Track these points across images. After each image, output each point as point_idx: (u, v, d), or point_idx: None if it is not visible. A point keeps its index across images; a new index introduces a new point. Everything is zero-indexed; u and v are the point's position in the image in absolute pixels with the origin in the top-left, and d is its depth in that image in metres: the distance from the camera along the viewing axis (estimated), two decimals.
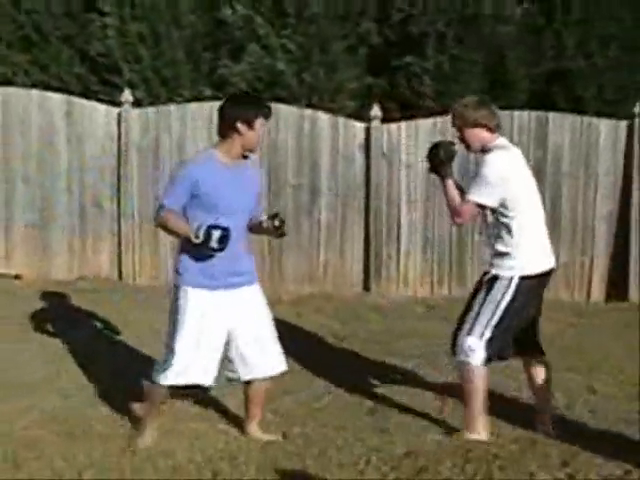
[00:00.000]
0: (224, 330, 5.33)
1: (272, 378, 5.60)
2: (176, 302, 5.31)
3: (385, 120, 10.70)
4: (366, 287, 10.71)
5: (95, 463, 5.24)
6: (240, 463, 5.26)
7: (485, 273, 5.69)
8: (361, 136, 10.61)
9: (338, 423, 6.03)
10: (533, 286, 5.60)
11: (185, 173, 5.25)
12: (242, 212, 5.35)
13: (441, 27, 11.56)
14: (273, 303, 8.52)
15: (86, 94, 11.61)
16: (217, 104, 10.51)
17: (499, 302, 5.49)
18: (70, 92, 11.41)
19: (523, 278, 5.52)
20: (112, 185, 10.87)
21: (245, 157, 5.38)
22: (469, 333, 5.54)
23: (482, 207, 5.53)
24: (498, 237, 5.57)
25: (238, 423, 5.88)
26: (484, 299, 5.55)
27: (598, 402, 6.64)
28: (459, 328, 5.65)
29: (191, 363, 5.25)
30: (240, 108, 5.24)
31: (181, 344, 5.22)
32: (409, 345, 8.27)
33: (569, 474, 5.07)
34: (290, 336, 7.52)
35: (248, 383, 5.58)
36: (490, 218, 5.62)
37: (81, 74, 12.17)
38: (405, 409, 6.32)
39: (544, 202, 10.05)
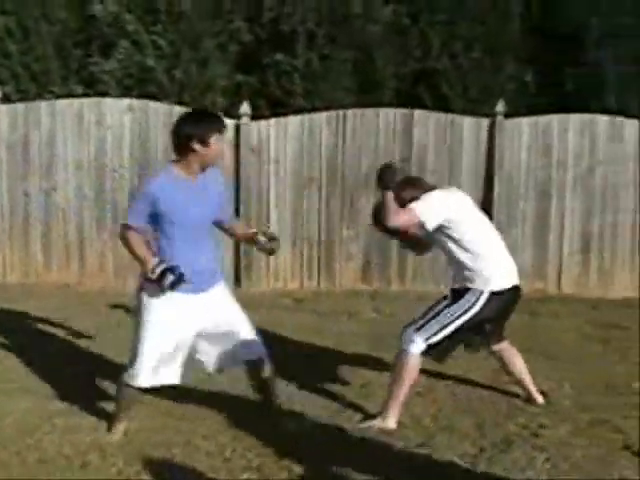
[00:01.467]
0: (191, 330, 5.37)
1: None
2: (140, 304, 5.32)
3: (255, 117, 10.83)
4: (237, 283, 10.81)
5: None
6: (108, 455, 5.34)
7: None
8: (230, 133, 10.70)
9: (201, 414, 6.11)
10: (501, 301, 5.86)
11: (144, 190, 5.17)
12: (204, 223, 5.37)
13: (311, 26, 11.77)
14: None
15: None
16: (87, 100, 10.64)
17: (461, 314, 5.74)
18: None
19: (493, 293, 5.78)
20: None
21: (203, 170, 5.31)
22: (418, 330, 5.76)
23: (420, 222, 5.67)
24: (459, 259, 5.81)
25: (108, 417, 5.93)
26: (447, 306, 5.79)
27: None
28: (414, 320, 5.84)
29: (159, 364, 5.31)
30: (193, 127, 5.16)
31: (147, 345, 5.26)
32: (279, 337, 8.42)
33: (426, 455, 5.31)
34: None
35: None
36: (448, 243, 5.82)
37: None
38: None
39: None
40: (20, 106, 10.86)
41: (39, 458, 5.28)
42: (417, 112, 10.91)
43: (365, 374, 7.01)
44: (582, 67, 12.07)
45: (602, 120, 10.93)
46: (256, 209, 10.75)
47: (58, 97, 11.35)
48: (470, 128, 10.91)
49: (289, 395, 6.39)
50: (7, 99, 11.09)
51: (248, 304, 9.43)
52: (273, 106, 11.78)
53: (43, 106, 10.80)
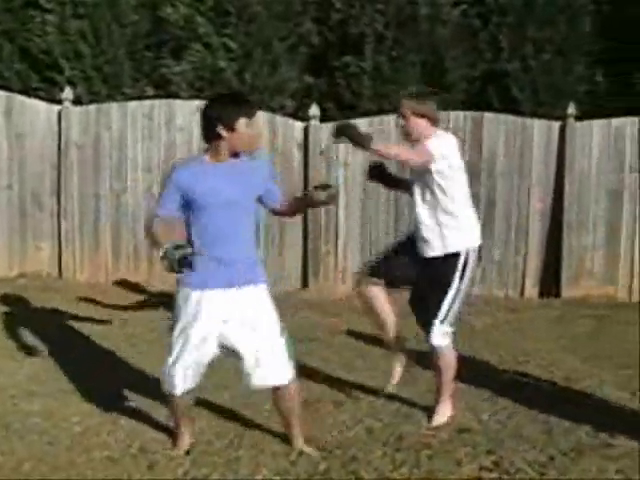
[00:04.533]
0: (217, 333, 5.05)
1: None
2: (175, 307, 5.12)
3: (324, 120, 10.84)
4: (305, 284, 10.83)
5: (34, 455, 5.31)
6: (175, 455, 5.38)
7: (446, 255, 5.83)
8: (299, 135, 10.74)
9: (270, 415, 6.13)
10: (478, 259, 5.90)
11: (172, 178, 4.95)
12: (238, 208, 5.00)
13: (380, 28, 11.74)
14: None
15: (27, 91, 11.60)
16: (157, 102, 10.72)
17: (460, 283, 5.75)
18: (10, 89, 11.40)
19: (474, 250, 5.82)
20: (53, 183, 10.90)
21: (236, 156, 5.00)
22: (442, 321, 5.78)
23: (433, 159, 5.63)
24: (442, 215, 5.75)
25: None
26: (449, 285, 5.75)
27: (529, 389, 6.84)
28: (432, 313, 5.79)
29: (188, 367, 5.11)
30: (219, 111, 4.87)
31: (174, 350, 5.10)
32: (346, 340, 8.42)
33: (494, 461, 5.26)
34: None
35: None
36: (428, 198, 5.77)
37: (21, 71, 12.14)
38: (337, 402, 6.44)
39: (480, 201, 10.43)
40: (91, 108, 11.01)
41: (106, 457, 5.33)
42: (487, 115, 10.85)
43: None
44: None
45: None
46: (324, 211, 10.75)
47: (129, 99, 11.46)
48: (540, 131, 10.81)
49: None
50: (79, 101, 11.23)
51: (315, 306, 9.59)
52: (342, 109, 11.76)
53: (114, 108, 10.93)
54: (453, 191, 5.74)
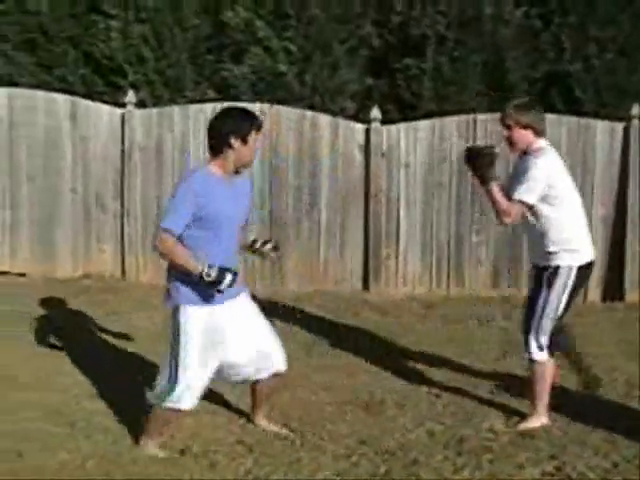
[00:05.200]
0: (228, 342, 5.28)
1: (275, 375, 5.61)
2: (175, 323, 5.23)
3: (385, 121, 10.84)
4: (365, 286, 10.83)
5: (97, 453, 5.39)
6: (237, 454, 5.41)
7: (539, 268, 5.95)
8: (361, 137, 10.74)
9: (333, 417, 6.15)
10: (585, 275, 5.97)
11: (186, 193, 5.06)
12: (238, 225, 5.35)
13: (441, 29, 11.71)
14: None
15: (91, 95, 11.75)
16: (218, 105, 10.80)
17: (561, 295, 5.82)
18: (75, 93, 11.55)
19: (580, 267, 5.85)
20: (116, 185, 11.03)
21: (237, 172, 5.28)
22: (537, 335, 5.85)
23: (529, 206, 5.74)
24: (548, 233, 5.81)
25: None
26: (547, 294, 5.83)
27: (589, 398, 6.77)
28: (528, 325, 5.91)
29: (195, 385, 5.23)
30: (233, 123, 5.12)
31: (186, 366, 5.16)
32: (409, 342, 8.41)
33: (557, 467, 5.23)
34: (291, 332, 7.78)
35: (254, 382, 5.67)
36: (536, 217, 5.82)
37: (85, 75, 12.31)
38: (399, 404, 6.44)
39: None
40: (154, 111, 11.12)
41: (168, 457, 5.39)
42: (549, 116, 10.72)
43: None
44: None
45: None
46: (385, 214, 10.74)
47: (191, 102, 11.55)
48: (604, 132, 10.68)
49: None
50: (142, 104, 11.35)
51: (376, 308, 9.59)
52: (402, 110, 11.74)
53: (176, 111, 11.03)
54: (556, 216, 5.79)
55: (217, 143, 5.12)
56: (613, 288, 10.71)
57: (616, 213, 10.68)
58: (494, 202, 5.77)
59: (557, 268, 5.79)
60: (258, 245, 5.51)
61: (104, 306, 9.44)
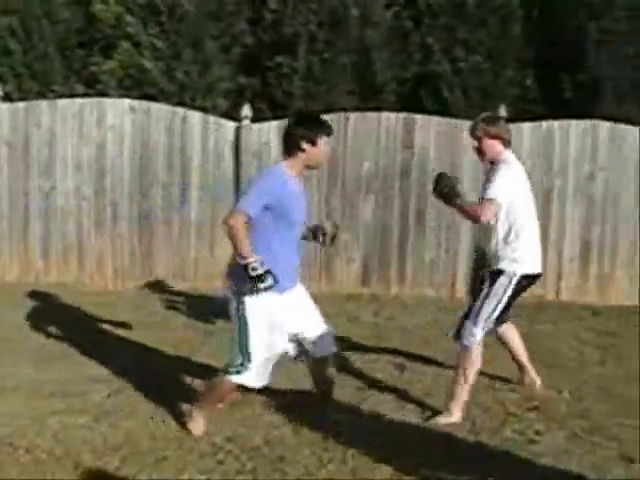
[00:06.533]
0: (288, 331, 5.68)
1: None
2: (241, 309, 5.47)
3: (256, 120, 10.84)
4: None
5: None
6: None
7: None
8: (231, 135, 10.72)
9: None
10: (526, 285, 6.22)
11: (268, 185, 5.46)
12: (302, 224, 5.73)
13: (312, 29, 11.77)
14: None
15: None
16: (88, 100, 10.63)
17: (501, 296, 6.09)
18: None
19: (523, 277, 6.11)
20: None
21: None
22: (475, 323, 6.09)
23: (498, 205, 5.91)
24: (503, 237, 6.09)
25: None
26: (490, 287, 6.10)
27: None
28: (466, 317, 6.18)
29: (264, 366, 5.55)
30: (305, 128, 5.57)
31: (253, 351, 5.46)
32: None
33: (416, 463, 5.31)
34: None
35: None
36: (492, 222, 6.06)
37: None
38: (265, 402, 6.41)
39: (411, 202, 10.56)
40: (21, 105, 10.87)
41: (32, 459, 5.28)
42: (418, 116, 10.89)
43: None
44: (581, 72, 12.02)
45: (604, 126, 10.90)
46: None
47: (59, 96, 11.34)
48: None
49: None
50: (8, 98, 11.09)
51: None
52: (274, 109, 11.77)
53: (44, 105, 10.80)
54: (510, 224, 6.08)
55: (290, 146, 5.60)
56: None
57: None
58: (464, 212, 6.00)
59: (502, 271, 6.07)
60: (320, 237, 5.89)
61: None
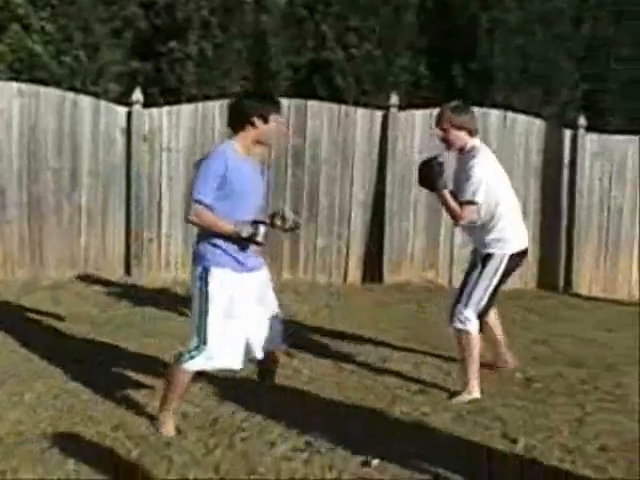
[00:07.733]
0: (249, 311, 5.42)
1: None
2: (203, 285, 5.32)
3: (148, 105, 10.73)
4: (127, 271, 10.71)
5: None
6: None
7: (477, 251, 6.42)
8: (123, 120, 10.59)
9: (87, 405, 6.06)
10: (516, 262, 6.38)
11: (215, 166, 5.26)
12: (259, 204, 5.55)
13: (205, 14, 11.70)
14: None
15: None
16: None
17: (492, 277, 6.24)
18: None
19: (512, 255, 6.27)
20: None
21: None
22: (466, 305, 6.23)
23: (477, 205, 6.07)
24: (486, 225, 6.21)
25: None
26: (480, 272, 6.25)
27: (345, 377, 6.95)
28: (457, 300, 6.31)
29: (221, 347, 5.33)
30: (256, 103, 5.40)
31: (211, 328, 5.29)
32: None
33: (307, 441, 5.33)
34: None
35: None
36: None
37: None
38: (153, 389, 6.36)
39: (303, 188, 10.61)
40: None
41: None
42: (310, 103, 10.93)
43: None
44: (473, 61, 12.22)
45: (493, 114, 11.11)
46: (148, 198, 10.66)
47: None
48: (363, 120, 10.98)
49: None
50: None
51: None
52: (166, 94, 11.68)
53: None
54: (494, 210, 6.20)
55: (238, 121, 5.41)
56: (372, 270, 11.06)
57: (375, 196, 11.01)
58: (447, 207, 6.09)
59: (491, 254, 6.22)
60: (279, 222, 5.57)
61: None
